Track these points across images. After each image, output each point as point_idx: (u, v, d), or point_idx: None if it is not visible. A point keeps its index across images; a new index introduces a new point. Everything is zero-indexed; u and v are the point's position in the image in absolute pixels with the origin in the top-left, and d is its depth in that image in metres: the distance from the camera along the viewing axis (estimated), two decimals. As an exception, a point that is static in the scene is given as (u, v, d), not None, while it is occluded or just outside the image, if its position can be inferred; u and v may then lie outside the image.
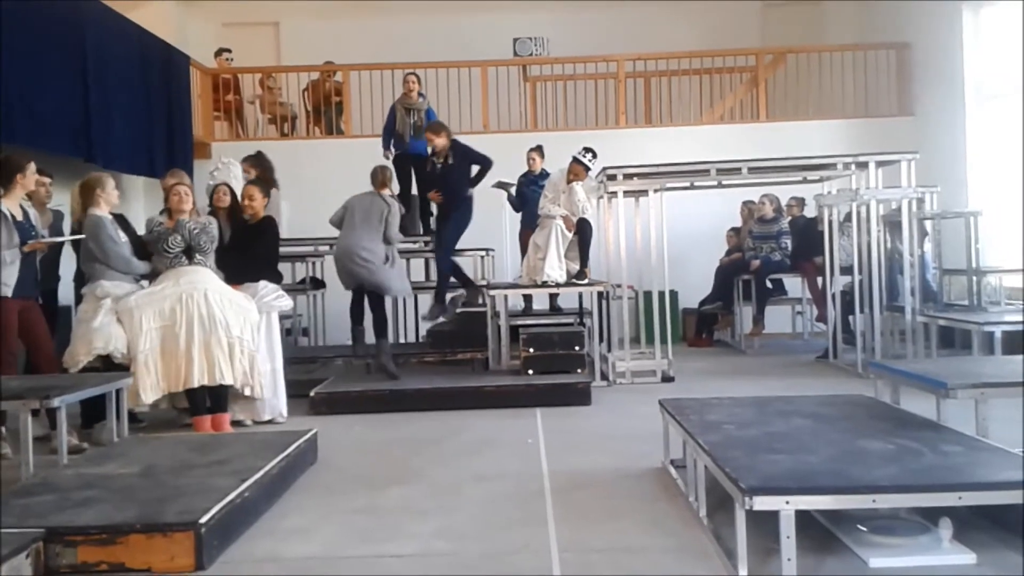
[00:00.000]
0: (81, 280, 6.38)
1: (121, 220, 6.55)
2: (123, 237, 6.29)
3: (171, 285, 6.10)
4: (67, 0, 8.37)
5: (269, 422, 6.52)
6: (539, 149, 9.60)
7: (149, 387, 5.93)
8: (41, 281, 6.20)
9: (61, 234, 6.56)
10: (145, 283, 6.34)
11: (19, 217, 5.86)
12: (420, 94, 9.68)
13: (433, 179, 8.57)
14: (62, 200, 7.03)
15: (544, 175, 9.24)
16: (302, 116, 12.94)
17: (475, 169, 8.37)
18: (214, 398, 6.13)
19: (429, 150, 8.53)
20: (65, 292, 6.96)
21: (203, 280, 6.18)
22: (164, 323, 5.99)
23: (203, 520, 3.45)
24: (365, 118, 12.14)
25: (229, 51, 12.59)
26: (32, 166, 5.96)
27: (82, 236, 6.14)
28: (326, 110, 12.51)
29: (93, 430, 6.10)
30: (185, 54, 11.33)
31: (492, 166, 8.46)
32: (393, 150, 9.47)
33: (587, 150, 8.28)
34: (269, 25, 14.01)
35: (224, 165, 8.01)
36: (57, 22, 8.16)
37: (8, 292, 5.69)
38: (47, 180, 6.69)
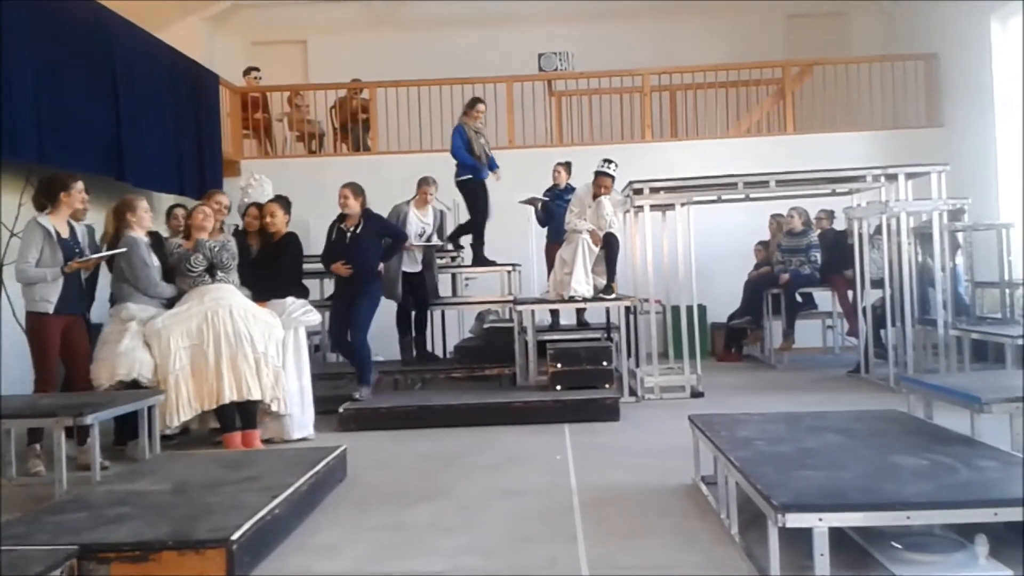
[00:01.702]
0: (114, 300, 6.44)
1: (156, 238, 6.61)
2: (155, 261, 6.34)
3: (196, 304, 6.15)
4: (97, 20, 8.50)
5: (299, 440, 6.54)
6: (567, 165, 9.62)
7: (181, 407, 5.95)
8: None
9: (96, 250, 6.59)
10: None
11: (64, 234, 5.95)
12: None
13: (342, 249, 7.53)
14: (95, 217, 7.12)
15: (570, 189, 9.24)
16: (329, 133, 13.06)
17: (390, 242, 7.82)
18: (244, 415, 6.16)
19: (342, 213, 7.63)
20: (100, 311, 7.02)
21: (227, 296, 6.23)
22: (192, 342, 6.02)
23: (235, 537, 3.47)
24: (392, 135, 12.24)
25: (257, 69, 12.75)
26: (78, 184, 6.03)
27: (123, 250, 6.18)
28: (353, 127, 12.61)
29: (126, 447, 6.16)
30: (214, 73, 11.47)
31: (406, 241, 8.00)
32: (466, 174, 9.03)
33: (607, 161, 8.28)
34: (297, 44, 14.16)
35: (257, 182, 8.08)
36: (87, 42, 8.29)
37: (50, 308, 5.77)
38: (86, 196, 6.76)
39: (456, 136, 9.09)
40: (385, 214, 8.40)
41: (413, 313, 8.65)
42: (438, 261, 9.04)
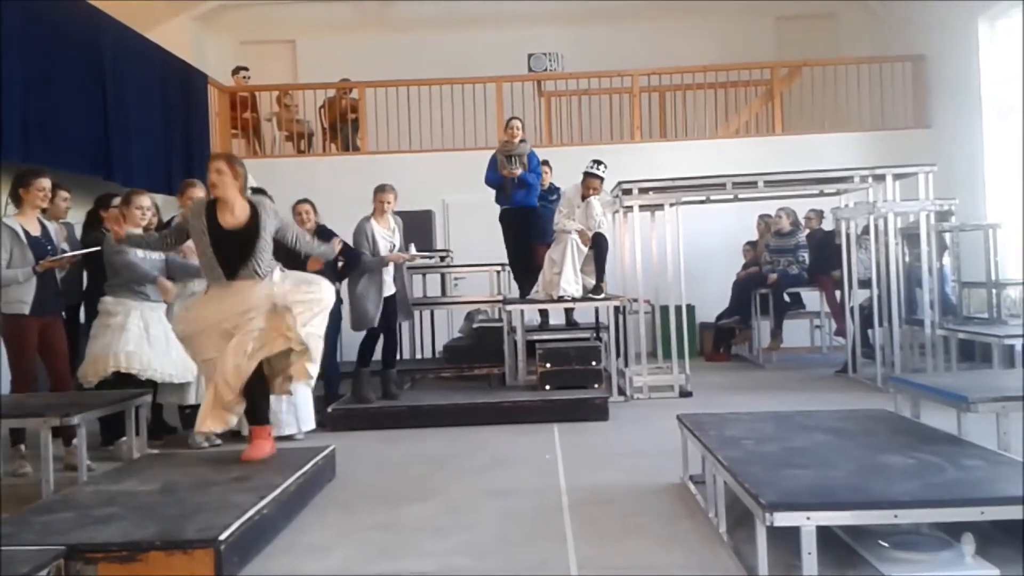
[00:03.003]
0: (93, 297, 6.38)
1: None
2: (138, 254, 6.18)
3: (215, 307, 5.16)
4: (85, 20, 8.46)
5: (288, 438, 6.51)
6: (546, 163, 9.58)
7: (219, 414, 5.18)
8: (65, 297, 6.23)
9: (77, 247, 6.47)
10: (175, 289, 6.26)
11: (35, 233, 5.85)
12: (521, 140, 8.84)
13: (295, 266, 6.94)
14: (79, 217, 7.09)
15: (552, 189, 9.23)
16: (318, 133, 13.03)
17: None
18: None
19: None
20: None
21: (245, 303, 5.18)
22: (224, 345, 5.12)
23: (223, 537, 3.46)
24: (381, 135, 12.22)
25: (246, 69, 12.71)
26: (39, 181, 5.82)
27: (97, 248, 6.13)
28: (342, 127, 12.59)
29: (112, 446, 6.14)
30: (203, 72, 11.43)
31: (360, 261, 7.33)
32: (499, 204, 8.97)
33: (596, 162, 8.28)
34: (286, 43, 14.13)
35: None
36: (75, 42, 8.24)
37: (26, 310, 5.71)
38: (66, 195, 6.72)
39: (488, 166, 8.94)
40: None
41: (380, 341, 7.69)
42: (427, 261, 9.01)
